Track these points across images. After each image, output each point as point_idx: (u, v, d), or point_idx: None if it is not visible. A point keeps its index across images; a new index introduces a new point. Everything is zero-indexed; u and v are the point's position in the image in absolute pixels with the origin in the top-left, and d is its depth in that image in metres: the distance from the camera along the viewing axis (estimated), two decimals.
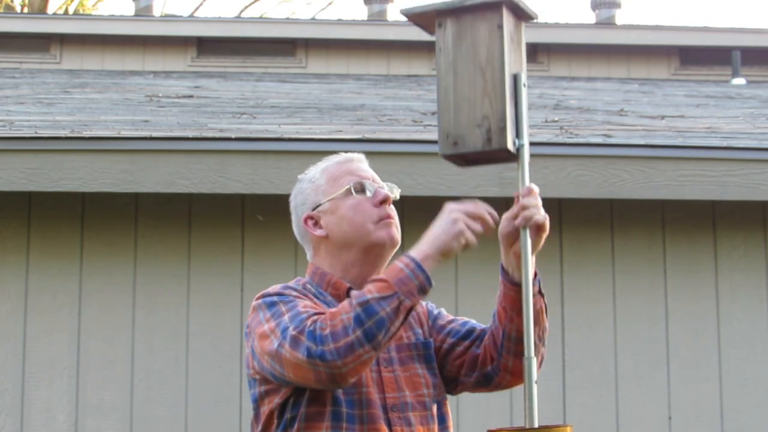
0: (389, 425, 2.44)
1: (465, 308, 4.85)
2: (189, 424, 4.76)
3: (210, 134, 4.95)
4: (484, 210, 2.37)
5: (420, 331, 2.62)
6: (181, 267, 4.87)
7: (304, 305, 2.41)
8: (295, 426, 2.42)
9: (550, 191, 4.74)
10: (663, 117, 6.33)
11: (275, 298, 2.46)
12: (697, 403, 4.94)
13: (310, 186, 2.65)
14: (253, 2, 20.26)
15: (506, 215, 2.44)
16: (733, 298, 5.04)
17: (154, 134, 4.91)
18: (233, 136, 4.88)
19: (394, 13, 9.92)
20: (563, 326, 4.95)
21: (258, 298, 2.52)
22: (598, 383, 4.93)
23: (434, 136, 5.09)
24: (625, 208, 5.04)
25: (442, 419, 2.57)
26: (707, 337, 5.01)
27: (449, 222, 2.35)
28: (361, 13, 14.98)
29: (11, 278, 4.83)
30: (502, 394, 4.84)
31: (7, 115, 5.75)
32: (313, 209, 2.62)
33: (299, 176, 2.71)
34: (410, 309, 2.32)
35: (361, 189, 2.57)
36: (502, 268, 2.50)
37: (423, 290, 2.33)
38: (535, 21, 2.45)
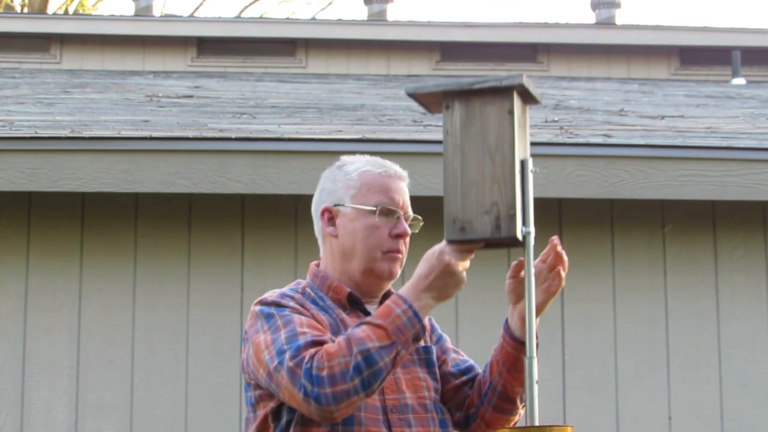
0: (389, 426, 2.44)
1: (465, 309, 4.86)
2: (189, 424, 4.76)
3: (210, 134, 4.95)
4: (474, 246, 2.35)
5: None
6: (181, 267, 4.87)
7: (300, 323, 2.39)
8: (292, 429, 2.42)
9: (550, 191, 4.74)
10: (663, 117, 6.33)
11: (272, 310, 2.45)
12: (697, 403, 4.94)
13: (344, 181, 2.59)
14: (253, 2, 20.26)
15: (512, 273, 2.45)
16: (733, 298, 5.04)
17: (154, 134, 4.91)
18: (233, 136, 4.88)
19: (394, 13, 9.92)
20: (563, 326, 4.95)
21: (256, 304, 2.51)
22: (598, 383, 4.93)
23: (434, 136, 5.10)
24: (625, 208, 5.04)
25: (444, 424, 2.57)
26: (707, 337, 5.01)
27: (446, 270, 2.33)
28: (361, 13, 15.00)
29: (11, 278, 4.83)
30: None
31: (7, 115, 5.75)
32: (335, 205, 2.58)
33: (342, 157, 2.66)
34: (403, 357, 2.33)
35: (386, 213, 2.54)
36: (506, 321, 2.52)
37: (417, 339, 2.35)
38: (537, 103, 2.40)
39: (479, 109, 2.33)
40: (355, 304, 2.55)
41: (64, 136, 4.79)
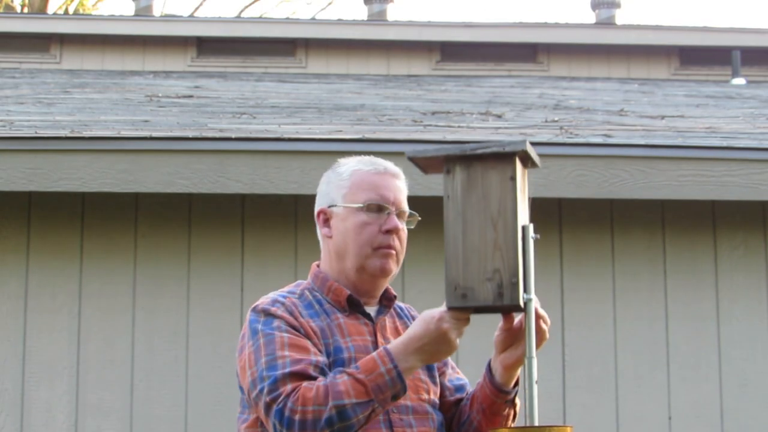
0: (390, 427, 2.44)
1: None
2: (189, 424, 4.76)
3: (210, 134, 4.95)
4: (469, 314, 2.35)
5: None
6: (181, 267, 4.87)
7: (281, 343, 2.39)
8: None
9: (550, 191, 4.74)
10: (663, 117, 6.33)
11: (258, 324, 2.45)
12: (697, 403, 4.94)
13: (336, 181, 2.60)
14: (253, 2, 20.26)
15: (502, 327, 2.45)
16: (733, 298, 5.04)
17: (154, 134, 4.91)
18: (233, 136, 4.88)
19: (394, 13, 9.91)
20: (563, 326, 4.95)
21: (249, 311, 2.52)
22: (598, 383, 4.93)
23: (434, 135, 5.10)
24: (625, 208, 5.04)
25: (442, 426, 2.58)
26: (707, 338, 5.01)
27: (442, 338, 2.33)
28: (361, 13, 14.99)
29: (11, 278, 4.83)
30: None
31: (7, 115, 5.75)
32: (329, 206, 2.59)
33: (339, 160, 2.66)
34: (378, 413, 2.35)
35: (375, 210, 2.54)
36: (489, 363, 2.53)
37: (396, 398, 2.36)
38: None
39: (481, 175, 2.31)
40: (354, 306, 2.55)
41: (64, 136, 4.79)
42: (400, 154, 4.62)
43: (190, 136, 4.86)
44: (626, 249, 5.03)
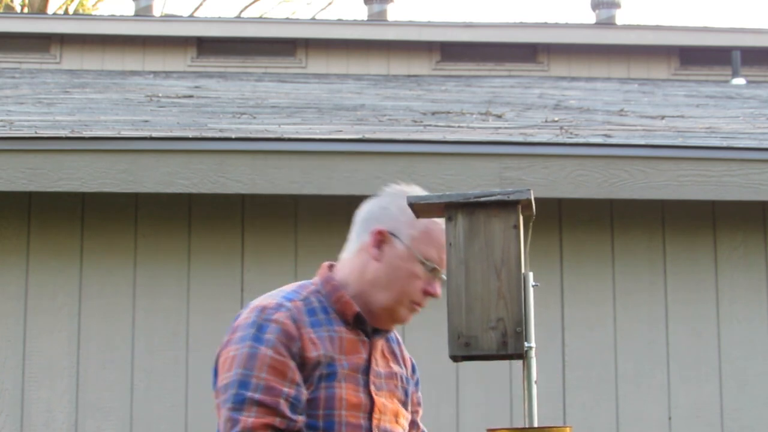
0: None
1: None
2: (189, 424, 4.76)
3: (210, 134, 4.95)
4: None
5: (403, 369, 2.63)
6: (181, 267, 4.87)
7: (261, 365, 2.40)
8: None
9: (550, 191, 4.74)
10: (663, 117, 6.33)
11: (252, 331, 2.44)
12: (697, 403, 4.94)
13: (407, 218, 2.50)
14: (253, 2, 20.26)
15: None
16: (733, 298, 5.04)
17: (154, 134, 4.91)
18: (233, 136, 4.88)
19: (394, 13, 9.91)
20: (563, 326, 4.95)
21: (250, 309, 2.49)
22: (598, 383, 4.93)
23: (434, 135, 5.10)
24: (625, 208, 5.04)
25: None
26: (707, 338, 5.01)
27: None
28: (361, 13, 15.00)
29: (11, 278, 4.83)
30: (503, 394, 4.85)
31: (7, 115, 5.75)
32: (391, 233, 2.53)
33: (417, 190, 2.58)
34: None
35: (430, 270, 2.53)
36: None
37: None
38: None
39: (483, 223, 2.29)
40: (358, 324, 2.53)
41: (64, 136, 4.79)
42: (400, 154, 4.64)
43: (190, 136, 4.86)
44: (626, 249, 5.03)
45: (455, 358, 2.31)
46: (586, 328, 4.97)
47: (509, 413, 4.84)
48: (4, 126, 5.17)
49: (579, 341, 4.96)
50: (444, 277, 2.49)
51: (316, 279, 2.57)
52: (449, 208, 2.32)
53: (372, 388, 2.49)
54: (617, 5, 9.75)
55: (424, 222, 2.50)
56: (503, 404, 4.85)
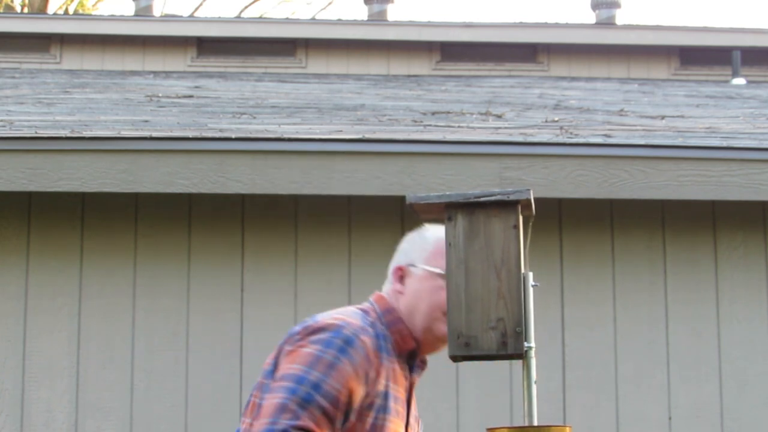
0: None
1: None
2: (189, 424, 4.76)
3: (210, 134, 4.95)
4: None
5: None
6: (181, 267, 4.87)
7: (326, 394, 2.40)
8: None
9: (550, 191, 4.74)
10: (663, 117, 6.33)
11: (327, 350, 2.45)
12: (697, 403, 4.94)
13: (420, 243, 2.64)
14: (253, 2, 20.27)
15: None
16: (733, 298, 5.04)
17: (154, 134, 4.92)
18: (233, 136, 4.88)
19: (394, 13, 9.91)
20: (563, 326, 4.95)
21: (333, 327, 2.50)
22: (598, 383, 4.93)
23: (434, 135, 5.10)
24: (625, 208, 5.04)
25: None
26: (707, 338, 5.01)
27: None
28: (361, 13, 14.99)
29: (11, 278, 4.83)
30: (502, 394, 4.85)
31: (7, 115, 5.75)
32: (407, 265, 2.63)
33: (426, 225, 2.67)
34: None
35: None
36: None
37: None
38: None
39: (483, 223, 2.31)
40: (409, 359, 2.61)
41: (64, 136, 4.79)
42: (400, 154, 4.64)
43: (190, 136, 4.86)
44: (626, 249, 5.03)
45: (455, 358, 2.32)
46: (586, 328, 4.97)
47: (509, 413, 4.84)
48: (4, 126, 5.17)
49: (579, 341, 4.96)
50: None
51: (374, 306, 2.64)
52: (449, 208, 2.32)
53: (411, 419, 2.60)
54: (617, 5, 9.75)
55: (431, 240, 2.59)
56: (503, 404, 4.85)
